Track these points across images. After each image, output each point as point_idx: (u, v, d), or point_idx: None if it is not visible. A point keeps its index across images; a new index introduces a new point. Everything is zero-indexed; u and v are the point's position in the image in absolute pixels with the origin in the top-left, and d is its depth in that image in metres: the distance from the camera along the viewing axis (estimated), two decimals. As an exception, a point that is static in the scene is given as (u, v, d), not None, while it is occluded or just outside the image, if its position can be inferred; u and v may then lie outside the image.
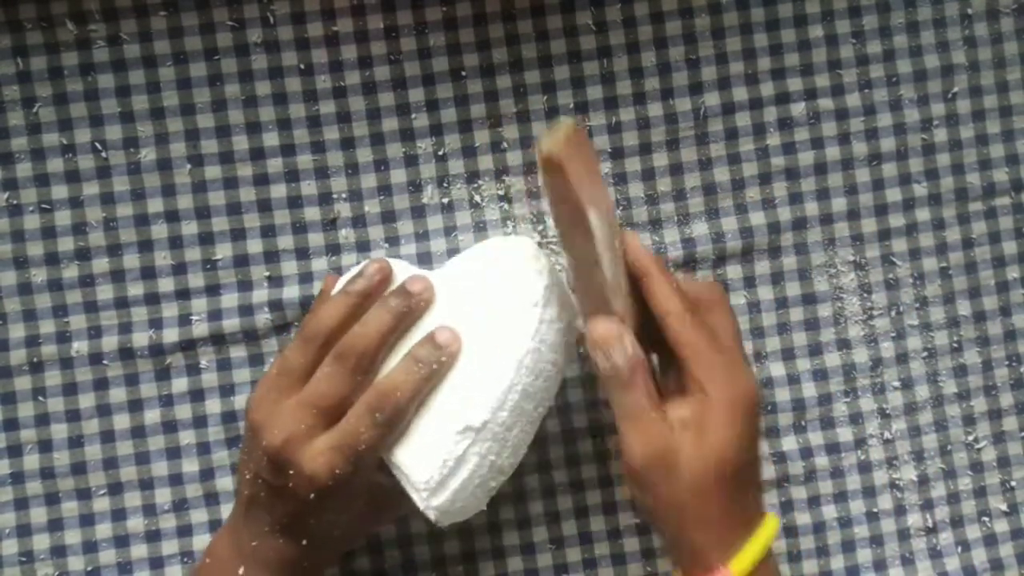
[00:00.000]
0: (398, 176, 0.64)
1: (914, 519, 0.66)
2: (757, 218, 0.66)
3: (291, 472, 0.53)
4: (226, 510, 0.64)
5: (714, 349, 0.53)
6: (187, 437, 0.64)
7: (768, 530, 0.54)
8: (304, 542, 0.55)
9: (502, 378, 0.54)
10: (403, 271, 0.58)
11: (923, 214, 0.67)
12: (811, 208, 0.66)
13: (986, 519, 0.67)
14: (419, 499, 0.54)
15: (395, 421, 0.54)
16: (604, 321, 0.53)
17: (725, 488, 0.52)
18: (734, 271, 0.66)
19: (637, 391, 0.53)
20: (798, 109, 0.65)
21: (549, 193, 0.55)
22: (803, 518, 0.66)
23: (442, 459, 0.53)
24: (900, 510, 0.66)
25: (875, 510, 0.66)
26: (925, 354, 0.67)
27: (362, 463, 0.53)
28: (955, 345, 0.67)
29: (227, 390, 0.64)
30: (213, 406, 0.64)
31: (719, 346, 0.54)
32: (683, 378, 0.54)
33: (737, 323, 0.57)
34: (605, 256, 0.52)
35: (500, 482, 0.56)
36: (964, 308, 0.67)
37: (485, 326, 0.55)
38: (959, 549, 0.66)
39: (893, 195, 0.66)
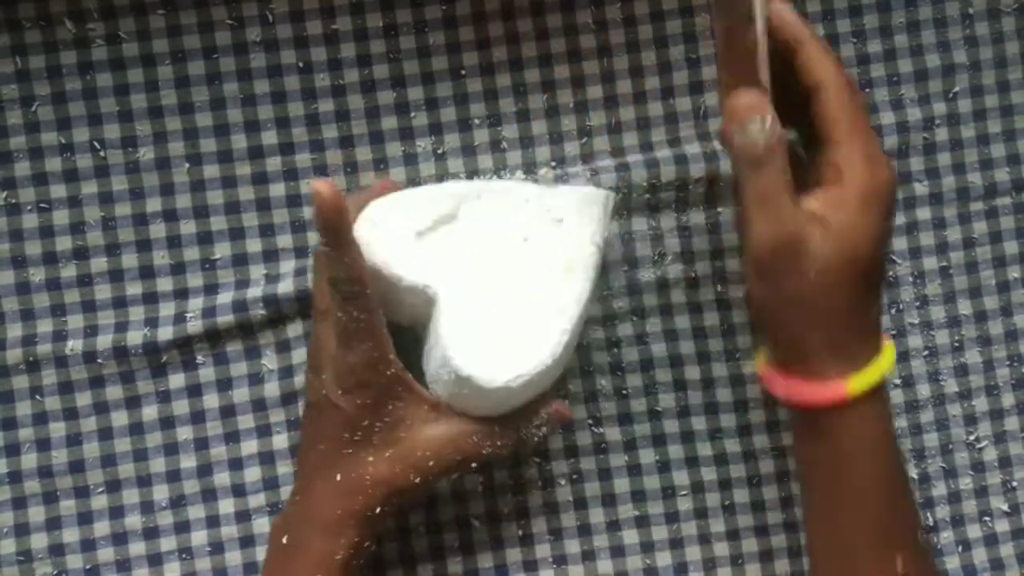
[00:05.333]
0: (397, 174, 0.64)
1: (914, 518, 0.66)
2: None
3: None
4: (224, 505, 0.64)
5: (861, 134, 0.50)
6: (184, 433, 0.63)
7: (889, 356, 0.52)
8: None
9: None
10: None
11: (923, 213, 0.66)
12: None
13: (987, 519, 0.67)
14: None
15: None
16: (746, 92, 0.51)
17: (854, 286, 0.50)
18: (733, 265, 0.66)
19: (772, 171, 0.50)
20: (799, 108, 0.65)
21: None
22: (803, 513, 0.66)
23: None
24: (901, 509, 0.66)
25: (875, 509, 0.66)
26: (926, 352, 0.67)
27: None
28: (956, 344, 0.67)
29: (224, 384, 0.64)
30: (211, 401, 0.64)
31: (867, 131, 0.51)
32: (820, 165, 0.51)
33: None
34: (760, 15, 0.50)
35: None
36: (965, 307, 0.67)
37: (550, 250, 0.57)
38: (959, 548, 0.66)
39: (894, 194, 0.66)
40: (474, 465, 0.57)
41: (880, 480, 0.53)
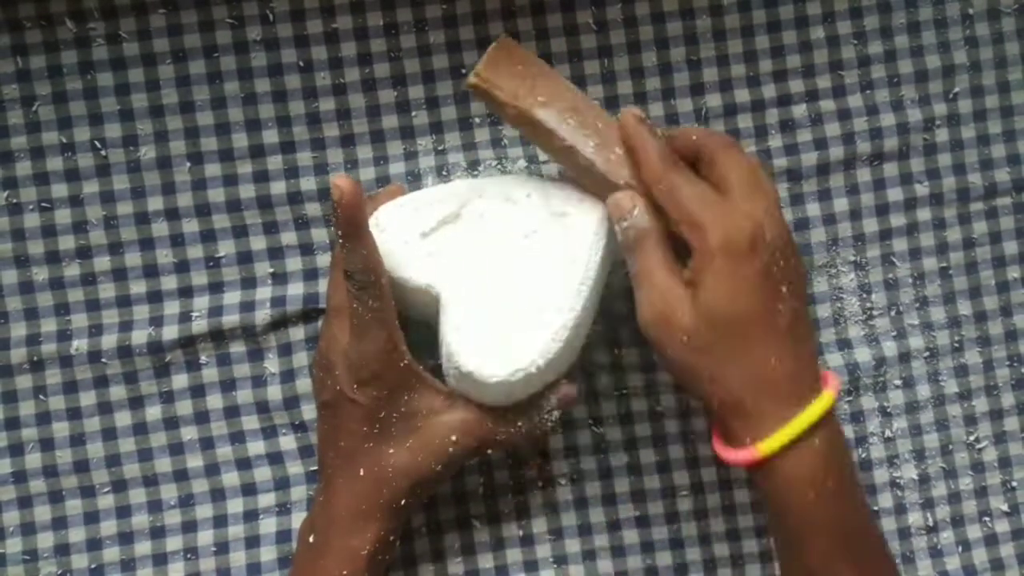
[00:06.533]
0: (397, 171, 0.64)
1: (915, 518, 0.66)
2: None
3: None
4: (232, 505, 0.64)
5: (706, 201, 0.52)
6: (189, 433, 0.64)
7: (817, 407, 0.51)
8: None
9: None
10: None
11: (924, 214, 0.66)
12: (813, 209, 0.66)
13: (987, 519, 0.67)
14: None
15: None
16: (613, 196, 0.55)
17: (729, 345, 0.51)
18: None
19: (644, 254, 0.54)
20: (800, 111, 0.65)
21: (497, 112, 0.57)
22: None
23: None
24: (901, 508, 0.66)
25: (875, 508, 0.66)
26: (927, 354, 0.67)
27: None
28: (956, 345, 0.67)
29: (227, 385, 0.64)
30: (214, 402, 0.64)
31: (714, 196, 0.53)
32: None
33: (751, 163, 0.55)
34: (579, 142, 0.55)
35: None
36: (965, 308, 0.67)
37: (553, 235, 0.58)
38: (960, 548, 0.66)
39: (894, 195, 0.66)
40: (490, 451, 0.58)
41: (816, 528, 0.53)
